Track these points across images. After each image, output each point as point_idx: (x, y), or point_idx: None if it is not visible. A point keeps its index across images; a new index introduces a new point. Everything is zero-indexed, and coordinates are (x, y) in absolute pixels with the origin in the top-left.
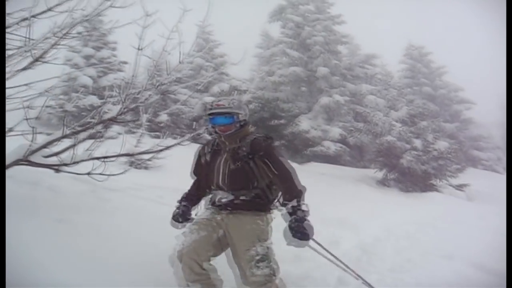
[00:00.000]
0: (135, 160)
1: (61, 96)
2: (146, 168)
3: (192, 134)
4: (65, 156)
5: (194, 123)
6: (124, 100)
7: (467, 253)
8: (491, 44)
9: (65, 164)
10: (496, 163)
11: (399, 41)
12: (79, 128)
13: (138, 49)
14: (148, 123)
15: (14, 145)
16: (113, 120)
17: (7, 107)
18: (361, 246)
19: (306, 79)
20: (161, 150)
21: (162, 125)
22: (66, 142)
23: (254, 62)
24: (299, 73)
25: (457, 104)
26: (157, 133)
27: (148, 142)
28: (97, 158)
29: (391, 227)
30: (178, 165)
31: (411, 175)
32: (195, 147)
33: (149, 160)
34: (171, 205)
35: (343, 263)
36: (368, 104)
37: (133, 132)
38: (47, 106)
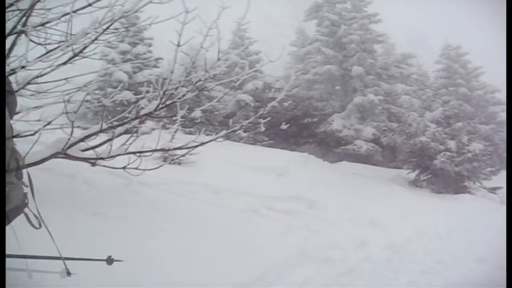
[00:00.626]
0: (168, 156)
1: (97, 91)
2: (179, 164)
3: (228, 131)
4: (102, 150)
5: (231, 120)
6: (162, 96)
7: (498, 256)
8: None
9: (102, 158)
10: None
11: (436, 41)
12: (116, 123)
13: (178, 45)
14: (182, 119)
15: (52, 139)
16: (150, 116)
17: (46, 101)
18: (391, 247)
19: (340, 77)
20: (196, 146)
21: (197, 121)
22: (103, 137)
23: (288, 60)
24: (334, 71)
25: (493, 105)
26: (191, 129)
27: (182, 138)
28: (133, 153)
29: (422, 229)
30: (210, 162)
31: (444, 177)
32: (228, 144)
33: (182, 156)
34: (202, 201)
35: None
36: (402, 104)
37: (167, 128)
38: (86, 101)
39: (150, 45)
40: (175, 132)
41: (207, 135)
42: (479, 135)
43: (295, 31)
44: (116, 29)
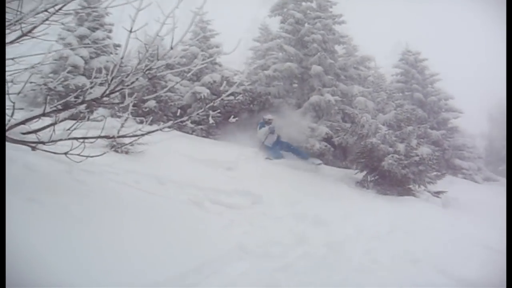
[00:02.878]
0: (116, 144)
1: (51, 75)
2: (126, 152)
3: (175, 122)
4: (44, 134)
5: (179, 110)
6: (110, 82)
7: (435, 258)
8: (487, 54)
9: (43, 142)
10: (476, 173)
11: (396, 45)
12: (61, 107)
13: (130, 31)
14: (134, 108)
15: None
16: (96, 101)
17: None
18: (329, 245)
19: (299, 76)
20: (141, 135)
21: (146, 110)
22: (48, 121)
23: (250, 55)
24: (294, 69)
25: (445, 112)
26: (143, 118)
27: (133, 127)
28: (76, 138)
29: (363, 228)
30: (159, 152)
31: (391, 178)
32: (180, 137)
33: (130, 144)
34: (147, 191)
35: None
36: (357, 105)
37: (120, 116)
38: (31, 82)
39: (110, 31)
40: (125, 120)
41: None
42: (429, 140)
43: (258, 26)
44: (69, 10)
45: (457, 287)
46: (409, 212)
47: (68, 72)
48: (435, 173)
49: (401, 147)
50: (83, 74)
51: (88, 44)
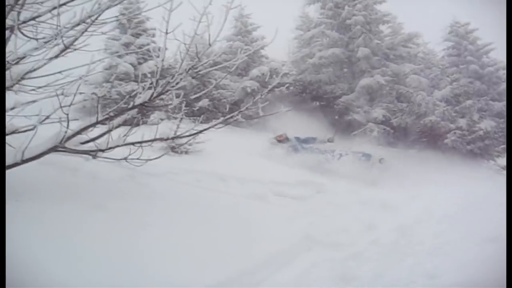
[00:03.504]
0: (175, 145)
1: (104, 84)
2: (186, 152)
3: (226, 118)
4: (101, 142)
5: (228, 105)
6: (155, 84)
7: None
8: None
9: (101, 150)
10: None
11: (443, 18)
12: (113, 114)
13: (166, 32)
14: (187, 108)
15: (51, 133)
16: (145, 105)
17: (42, 95)
18: (401, 229)
19: (347, 60)
20: (194, 134)
21: (200, 109)
22: (104, 129)
23: (294, 44)
24: (339, 54)
25: (505, 82)
26: (198, 117)
27: (188, 128)
28: (132, 143)
29: (433, 209)
30: (217, 149)
31: (456, 155)
32: (234, 131)
33: (189, 144)
34: (208, 189)
35: None
36: (410, 83)
37: (176, 118)
38: (80, 93)
39: (153, 35)
40: (180, 121)
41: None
42: (492, 112)
43: (299, 15)
44: (106, 19)
45: None
46: (479, 189)
47: (120, 80)
48: (502, 146)
49: (462, 122)
50: (134, 81)
51: (135, 50)
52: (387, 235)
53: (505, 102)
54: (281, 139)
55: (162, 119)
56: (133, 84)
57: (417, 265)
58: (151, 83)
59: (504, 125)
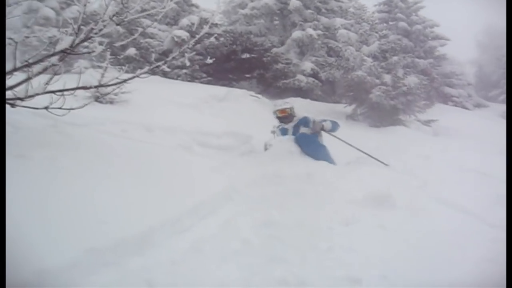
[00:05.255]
0: (99, 95)
1: (23, 29)
2: (111, 103)
3: (152, 67)
4: (20, 90)
5: (153, 55)
6: (78, 31)
7: (428, 186)
8: None
9: (19, 98)
10: (466, 99)
11: None
12: (32, 61)
13: None
14: (113, 57)
15: None
16: (66, 52)
17: None
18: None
19: (279, 12)
20: (119, 83)
21: (127, 58)
22: (23, 77)
23: None
24: (272, 5)
25: (432, 40)
26: (124, 67)
27: (113, 77)
28: (53, 92)
29: (355, 159)
30: (143, 99)
31: (380, 110)
32: (162, 81)
33: (114, 94)
34: (134, 139)
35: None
36: (340, 38)
37: (100, 67)
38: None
39: None
40: (105, 70)
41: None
42: (416, 69)
43: None
44: None
45: (451, 210)
46: (400, 141)
47: (41, 25)
48: (424, 102)
49: (387, 78)
50: (55, 26)
51: None
52: (313, 185)
53: (430, 60)
54: (284, 115)
55: (86, 68)
56: (54, 30)
57: (335, 213)
58: (73, 29)
59: (426, 82)
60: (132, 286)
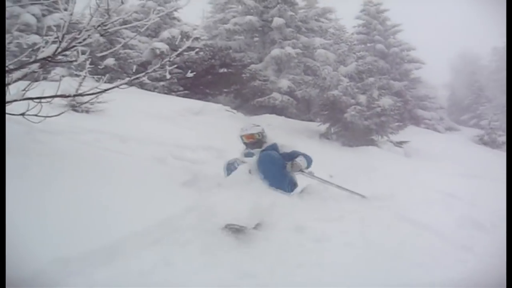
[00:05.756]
0: (75, 103)
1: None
2: (87, 112)
3: (132, 78)
4: None
5: (134, 66)
6: (62, 39)
7: (395, 203)
8: (447, 3)
9: None
10: (438, 122)
11: None
12: (12, 67)
13: None
14: (92, 66)
15: None
16: (48, 60)
17: None
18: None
19: (260, 29)
20: (98, 93)
21: (105, 68)
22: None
23: (208, 9)
24: (254, 22)
25: (407, 63)
26: (102, 76)
27: (91, 86)
28: (31, 98)
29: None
30: (119, 110)
31: (353, 130)
32: (139, 93)
33: (90, 103)
34: (108, 149)
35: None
36: (318, 57)
37: (78, 75)
38: None
39: None
40: (83, 79)
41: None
42: (391, 91)
43: None
44: None
45: (419, 230)
46: (372, 162)
47: (21, 31)
48: (397, 123)
49: (362, 98)
50: (36, 33)
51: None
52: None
53: (405, 82)
54: (252, 140)
55: (63, 76)
56: (35, 36)
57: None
58: (56, 37)
59: (400, 104)
60: None
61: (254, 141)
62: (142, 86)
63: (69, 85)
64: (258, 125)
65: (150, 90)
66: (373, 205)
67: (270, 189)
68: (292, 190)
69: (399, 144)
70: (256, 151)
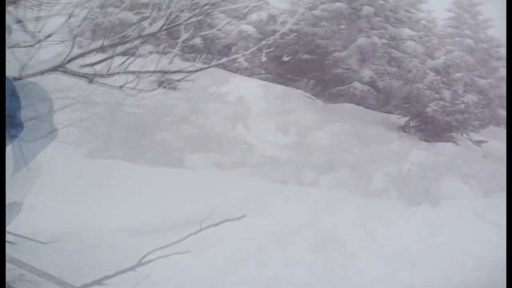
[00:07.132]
0: (165, 80)
1: (98, 10)
2: (174, 89)
3: (229, 58)
4: (100, 68)
5: (234, 48)
6: (168, 17)
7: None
8: None
9: (101, 75)
10: None
11: None
12: (118, 41)
13: None
14: (181, 44)
15: (52, 53)
16: (153, 37)
17: (47, 12)
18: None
19: (348, 16)
20: (195, 71)
21: (191, 47)
22: (99, 56)
23: None
24: (343, 9)
25: (496, 60)
26: (188, 55)
27: (179, 64)
28: (133, 72)
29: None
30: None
31: (434, 125)
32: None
33: (178, 81)
34: None
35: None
36: (406, 49)
37: (165, 53)
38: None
39: None
40: (174, 56)
41: (205, 63)
42: (476, 88)
43: None
44: None
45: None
46: (448, 159)
47: (116, 7)
48: (478, 122)
49: (447, 94)
50: (130, 9)
51: None
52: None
53: (490, 80)
54: None
55: (150, 53)
56: (127, 13)
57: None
58: (159, 15)
59: (484, 102)
60: None
61: None
62: (224, 67)
63: (154, 62)
64: None
65: (232, 71)
66: None
67: None
68: None
69: (478, 143)
70: None
